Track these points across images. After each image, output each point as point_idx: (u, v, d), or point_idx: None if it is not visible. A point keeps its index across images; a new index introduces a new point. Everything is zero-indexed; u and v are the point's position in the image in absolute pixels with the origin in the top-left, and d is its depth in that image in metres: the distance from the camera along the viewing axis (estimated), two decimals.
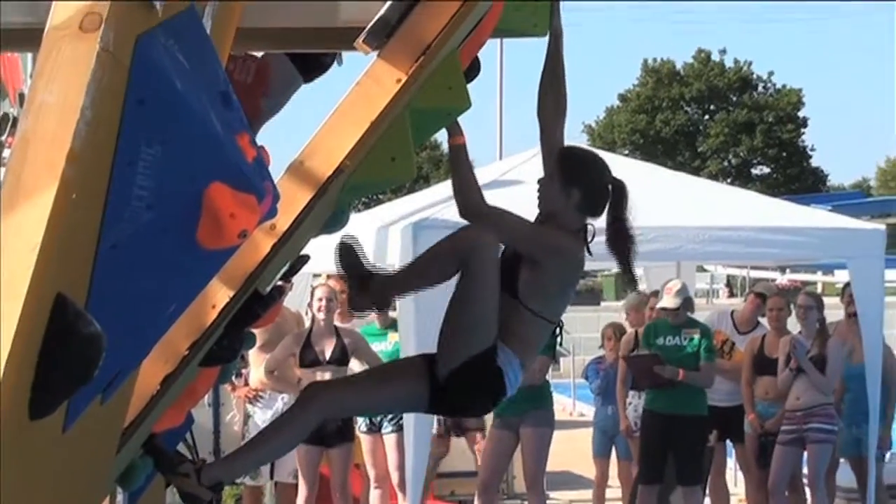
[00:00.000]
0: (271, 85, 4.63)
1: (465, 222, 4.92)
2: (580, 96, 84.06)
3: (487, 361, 4.79)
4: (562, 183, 5.00)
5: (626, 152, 48.29)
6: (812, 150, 58.41)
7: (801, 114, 57.75)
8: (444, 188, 13.40)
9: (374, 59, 4.26)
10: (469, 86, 4.80)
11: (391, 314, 11.35)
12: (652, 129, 57.18)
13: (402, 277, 5.03)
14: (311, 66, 4.66)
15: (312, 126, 4.32)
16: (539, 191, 5.09)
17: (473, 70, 5.06)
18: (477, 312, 4.75)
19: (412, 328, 9.98)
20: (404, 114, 4.49)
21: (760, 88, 58.50)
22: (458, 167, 5.06)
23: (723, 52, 57.93)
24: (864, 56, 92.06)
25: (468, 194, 4.99)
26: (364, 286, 4.88)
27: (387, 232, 10.99)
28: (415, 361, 5.09)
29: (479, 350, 4.76)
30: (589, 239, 4.98)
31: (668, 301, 11.19)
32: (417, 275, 5.01)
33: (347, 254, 4.86)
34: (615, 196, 5.09)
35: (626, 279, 5.49)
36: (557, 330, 5.12)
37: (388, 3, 4.15)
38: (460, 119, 4.93)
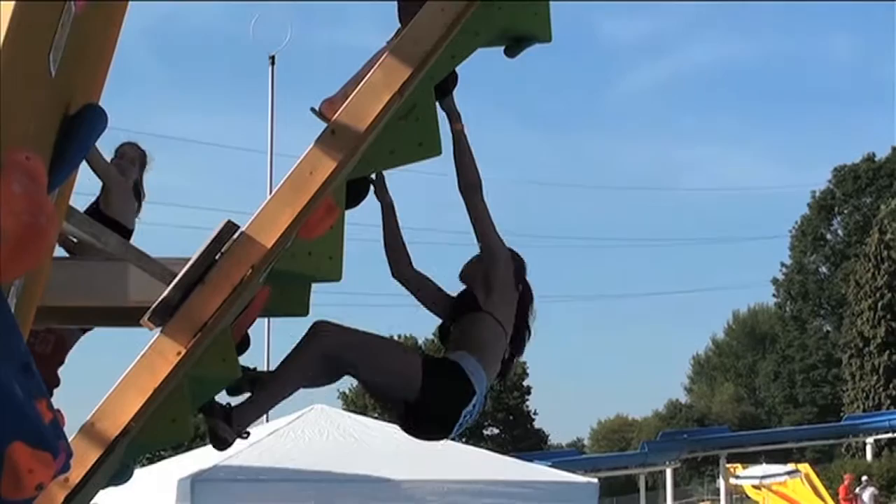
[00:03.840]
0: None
1: None
2: None
3: (439, 365, 4.82)
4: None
5: (376, 415, 48.29)
6: (535, 414, 59.36)
7: (525, 383, 58.72)
8: None
9: (158, 334, 4.25)
10: (240, 357, 4.83)
11: None
12: None
13: (258, 400, 4.80)
14: None
15: (102, 392, 4.27)
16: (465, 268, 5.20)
17: (244, 345, 5.09)
18: (394, 370, 4.76)
19: None
20: (183, 381, 4.48)
21: None
22: (463, 148, 5.10)
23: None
24: (581, 339, 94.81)
25: (470, 170, 5.08)
26: (227, 418, 4.71)
27: (170, 484, 10.76)
28: (415, 354, 4.97)
29: (419, 366, 4.73)
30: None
31: None
32: (274, 393, 4.79)
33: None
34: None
35: (521, 337, 5.28)
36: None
37: (171, 286, 4.19)
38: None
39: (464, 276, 5.23)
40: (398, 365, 4.82)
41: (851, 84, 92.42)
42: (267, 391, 4.81)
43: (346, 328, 4.83)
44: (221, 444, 4.72)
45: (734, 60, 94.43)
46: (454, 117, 5.15)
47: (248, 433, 4.77)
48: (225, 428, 4.68)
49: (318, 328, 4.79)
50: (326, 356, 4.75)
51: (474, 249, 5.25)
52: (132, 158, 7.73)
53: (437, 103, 5.00)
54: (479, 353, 4.92)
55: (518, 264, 5.27)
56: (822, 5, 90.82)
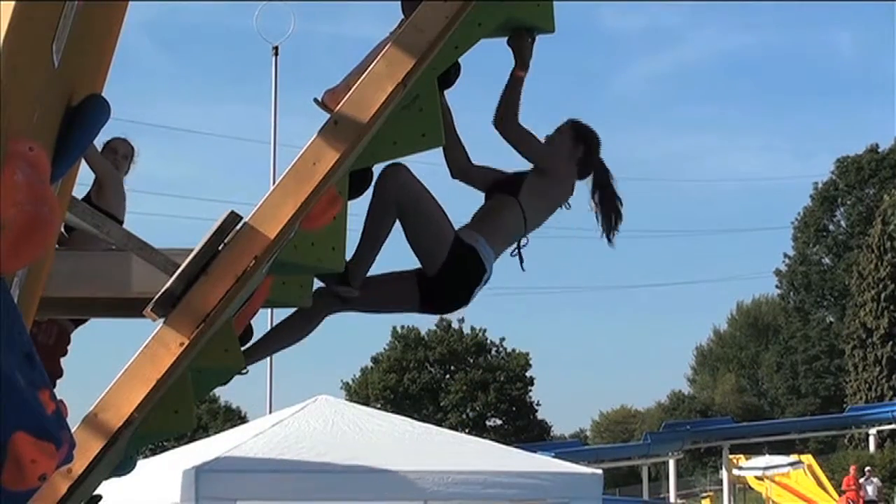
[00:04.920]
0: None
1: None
2: (338, 359, 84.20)
3: (461, 247, 5.13)
4: (573, 137, 5.49)
5: (379, 406, 48.34)
6: (538, 405, 59.38)
7: (528, 374, 58.73)
8: (223, 438, 13.23)
9: (160, 325, 4.26)
10: (243, 348, 4.84)
11: None
12: (401, 386, 57.40)
13: (362, 254, 5.17)
14: None
15: (105, 383, 4.28)
16: (547, 142, 5.47)
17: (247, 335, 5.09)
18: (432, 229, 5.13)
19: None
20: (186, 372, 4.49)
21: (493, 352, 59.46)
22: (514, 92, 5.28)
23: (461, 320, 58.90)
24: (584, 330, 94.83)
25: (510, 115, 5.27)
26: (343, 279, 5.06)
27: (173, 474, 10.77)
28: (404, 271, 5.30)
29: (449, 245, 5.11)
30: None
31: None
32: (370, 243, 5.17)
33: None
34: (604, 167, 5.59)
35: (610, 236, 5.65)
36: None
37: (174, 277, 4.19)
38: (235, 378, 4.93)
39: (530, 156, 5.41)
40: (436, 228, 5.17)
41: (854, 75, 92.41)
42: (366, 243, 5.16)
43: (413, 178, 5.15)
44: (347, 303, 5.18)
45: (736, 52, 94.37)
46: (520, 64, 5.28)
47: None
48: (346, 289, 5.10)
49: (392, 170, 5.09)
50: (397, 201, 5.11)
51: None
52: (125, 154, 7.79)
53: (508, 43, 5.22)
54: (495, 238, 5.30)
55: (588, 146, 5.54)
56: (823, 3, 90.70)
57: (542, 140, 5.50)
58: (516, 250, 5.51)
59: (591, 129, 5.61)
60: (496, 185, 5.46)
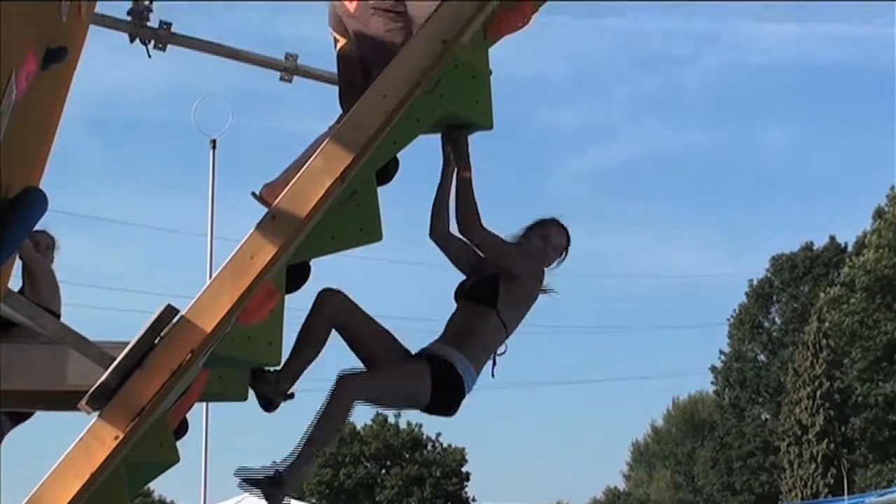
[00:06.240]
0: None
1: None
2: (274, 453, 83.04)
3: (451, 374, 5.20)
4: (539, 229, 5.57)
5: (314, 501, 47.83)
6: (474, 500, 58.97)
7: (464, 469, 58.40)
8: None
9: (96, 418, 4.23)
10: (178, 442, 4.81)
11: None
12: (336, 481, 56.83)
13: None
14: None
15: (38, 477, 4.24)
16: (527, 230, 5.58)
17: (182, 429, 5.06)
18: (410, 397, 5.30)
19: None
20: (121, 466, 4.45)
21: (429, 447, 59.15)
22: (468, 195, 5.29)
23: (397, 415, 58.64)
24: (521, 425, 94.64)
25: (471, 217, 5.28)
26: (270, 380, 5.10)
27: None
28: (420, 363, 5.24)
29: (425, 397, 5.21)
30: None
31: None
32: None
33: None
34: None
35: None
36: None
37: (109, 370, 4.18)
38: (170, 471, 4.89)
39: (498, 260, 5.41)
40: (412, 392, 5.25)
41: (786, 174, 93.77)
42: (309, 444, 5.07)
43: (361, 374, 5.18)
44: (269, 406, 5.13)
45: (669, 150, 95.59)
46: (463, 164, 5.32)
47: (293, 394, 5.18)
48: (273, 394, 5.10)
49: (343, 380, 5.09)
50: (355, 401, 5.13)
51: None
52: (47, 245, 7.78)
53: (443, 139, 5.32)
54: (473, 351, 5.31)
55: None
56: (754, 99, 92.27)
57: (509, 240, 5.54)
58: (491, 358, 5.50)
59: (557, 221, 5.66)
60: (472, 291, 5.41)
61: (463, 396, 5.31)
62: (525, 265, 5.44)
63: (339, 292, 5.25)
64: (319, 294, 5.22)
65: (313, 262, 5.07)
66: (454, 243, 5.52)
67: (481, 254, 5.44)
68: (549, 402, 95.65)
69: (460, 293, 5.47)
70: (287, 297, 4.81)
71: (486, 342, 5.36)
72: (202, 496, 23.87)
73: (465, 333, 5.34)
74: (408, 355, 5.31)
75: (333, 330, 5.24)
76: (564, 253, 5.63)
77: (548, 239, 5.57)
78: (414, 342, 5.38)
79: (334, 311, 5.20)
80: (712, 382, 66.07)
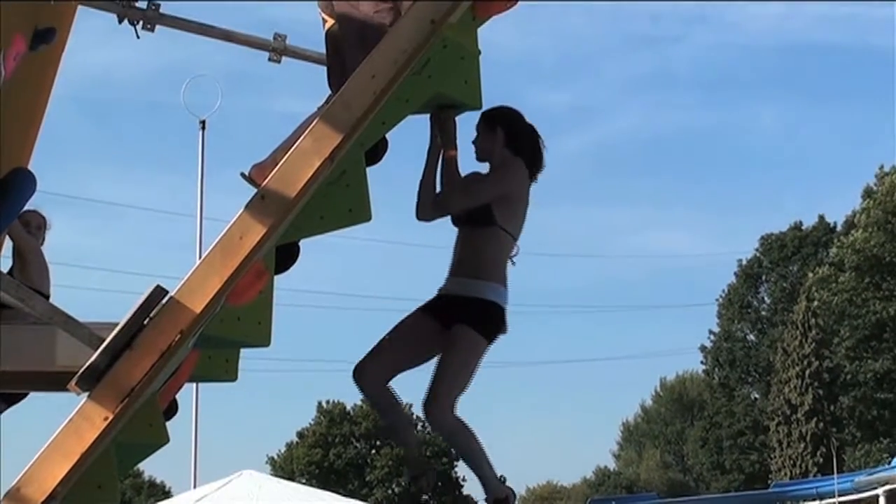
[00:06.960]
0: None
1: None
2: (264, 434, 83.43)
3: (491, 309, 5.29)
4: (486, 127, 5.45)
5: (304, 481, 47.89)
6: (463, 480, 59.12)
7: (453, 449, 58.56)
8: None
9: (85, 399, 4.24)
10: (168, 423, 4.82)
11: None
12: (326, 461, 56.94)
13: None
14: None
15: (28, 457, 4.25)
16: (475, 144, 5.48)
17: (172, 410, 5.08)
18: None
19: None
20: (110, 446, 4.46)
21: (419, 427, 59.32)
22: (451, 173, 5.40)
23: None
24: (510, 405, 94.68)
25: (444, 194, 5.40)
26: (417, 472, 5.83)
27: None
28: (462, 330, 5.28)
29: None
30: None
31: None
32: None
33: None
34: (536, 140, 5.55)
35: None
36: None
37: (99, 351, 4.19)
38: (160, 452, 4.90)
39: (481, 202, 5.38)
40: (477, 356, 5.33)
41: (775, 154, 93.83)
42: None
43: (440, 383, 5.27)
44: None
45: (658, 129, 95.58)
46: (449, 143, 5.39)
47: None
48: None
49: (428, 410, 5.29)
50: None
51: None
52: (38, 225, 7.74)
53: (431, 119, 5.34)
54: (493, 273, 5.35)
55: (507, 130, 5.47)
56: (744, 78, 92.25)
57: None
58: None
59: (501, 109, 5.54)
60: (470, 216, 5.41)
61: (505, 316, 5.38)
62: (498, 180, 5.42)
63: (362, 365, 5.32)
64: (354, 380, 5.32)
65: (302, 243, 5.08)
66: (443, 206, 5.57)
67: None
68: (539, 383, 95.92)
69: (458, 219, 5.49)
70: (276, 277, 4.82)
71: (501, 256, 5.39)
72: (192, 477, 23.91)
73: (478, 258, 5.37)
74: (441, 323, 5.33)
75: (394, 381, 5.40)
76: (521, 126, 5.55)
77: (498, 141, 5.45)
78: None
79: (373, 382, 5.33)
80: (702, 362, 66.19)
